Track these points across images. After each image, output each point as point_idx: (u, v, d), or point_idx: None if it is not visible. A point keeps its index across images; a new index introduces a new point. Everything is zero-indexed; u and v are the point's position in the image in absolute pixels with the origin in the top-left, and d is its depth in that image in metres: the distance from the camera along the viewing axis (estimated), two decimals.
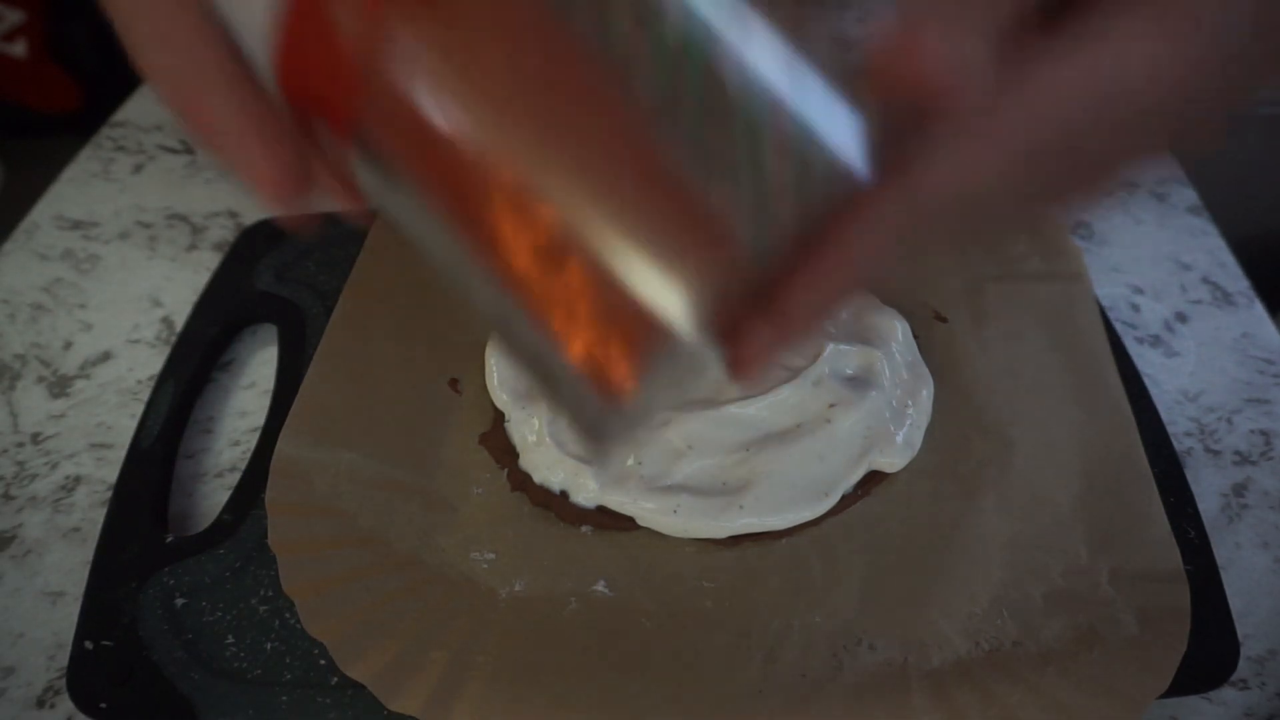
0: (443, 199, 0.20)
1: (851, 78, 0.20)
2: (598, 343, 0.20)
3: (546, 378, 0.22)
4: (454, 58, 0.19)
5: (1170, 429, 0.41)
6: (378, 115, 0.20)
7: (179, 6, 0.21)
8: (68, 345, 0.46)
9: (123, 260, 0.50)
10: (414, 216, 0.21)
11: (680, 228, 0.19)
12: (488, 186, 0.19)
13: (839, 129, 0.19)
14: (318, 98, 0.20)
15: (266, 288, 0.48)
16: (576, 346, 0.20)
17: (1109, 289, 0.49)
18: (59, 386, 0.45)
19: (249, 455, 0.41)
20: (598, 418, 0.21)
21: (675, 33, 0.18)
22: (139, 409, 0.43)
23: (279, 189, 0.21)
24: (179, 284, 0.48)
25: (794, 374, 0.40)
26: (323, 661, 0.35)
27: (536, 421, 0.40)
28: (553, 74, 0.19)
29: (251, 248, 0.50)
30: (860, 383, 0.40)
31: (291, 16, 0.20)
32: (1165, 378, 0.45)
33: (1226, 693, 0.34)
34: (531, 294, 0.20)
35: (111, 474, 0.41)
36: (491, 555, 0.37)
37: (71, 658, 0.35)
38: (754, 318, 0.21)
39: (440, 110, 0.19)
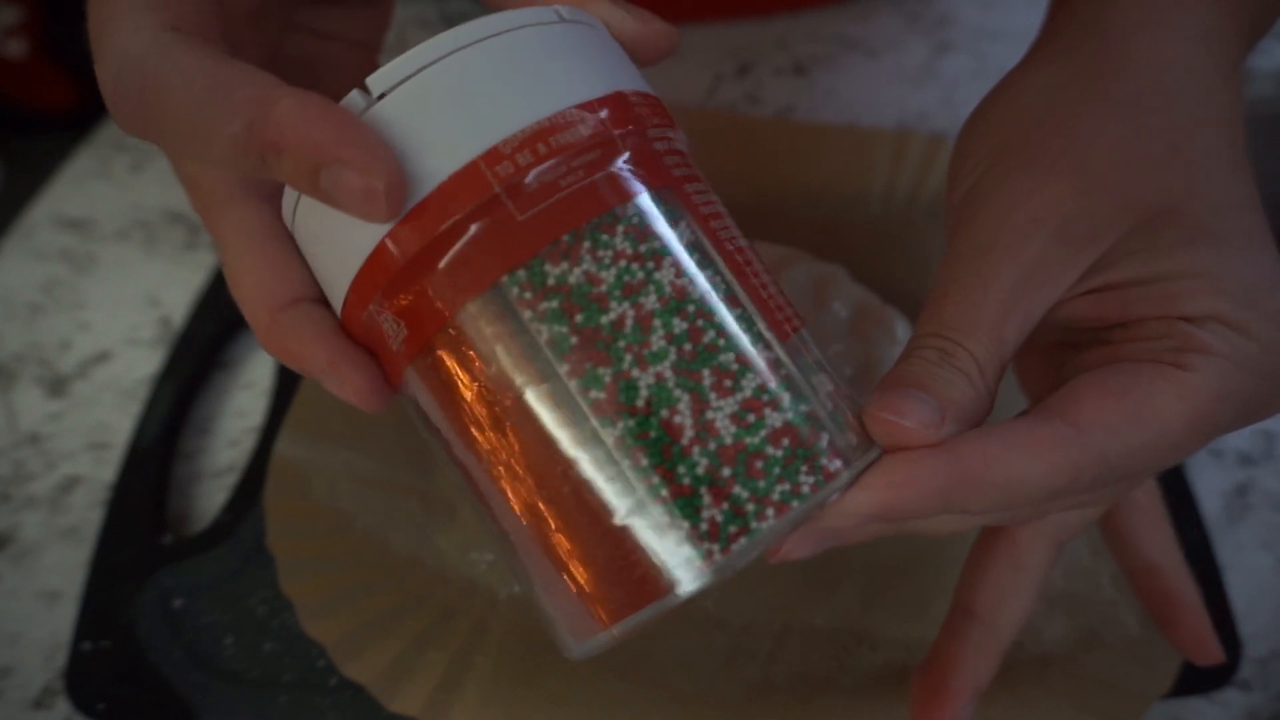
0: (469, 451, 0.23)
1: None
2: (592, 584, 0.22)
3: (523, 575, 0.23)
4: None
5: None
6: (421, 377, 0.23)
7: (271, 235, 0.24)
8: (65, 345, 0.46)
9: (121, 260, 0.50)
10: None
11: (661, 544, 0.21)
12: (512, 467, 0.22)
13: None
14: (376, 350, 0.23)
15: None
16: (571, 579, 0.22)
17: None
18: (57, 386, 0.45)
19: (247, 456, 0.41)
20: (566, 636, 0.23)
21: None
22: (137, 409, 0.43)
23: (369, 404, 0.24)
24: (177, 283, 0.48)
25: None
26: (321, 662, 0.35)
27: None
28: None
29: None
30: (860, 382, 0.40)
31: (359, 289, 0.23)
32: None
33: (1229, 693, 0.34)
34: (544, 530, 0.22)
35: (109, 474, 0.41)
36: (491, 556, 0.36)
37: (69, 658, 0.35)
38: None
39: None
